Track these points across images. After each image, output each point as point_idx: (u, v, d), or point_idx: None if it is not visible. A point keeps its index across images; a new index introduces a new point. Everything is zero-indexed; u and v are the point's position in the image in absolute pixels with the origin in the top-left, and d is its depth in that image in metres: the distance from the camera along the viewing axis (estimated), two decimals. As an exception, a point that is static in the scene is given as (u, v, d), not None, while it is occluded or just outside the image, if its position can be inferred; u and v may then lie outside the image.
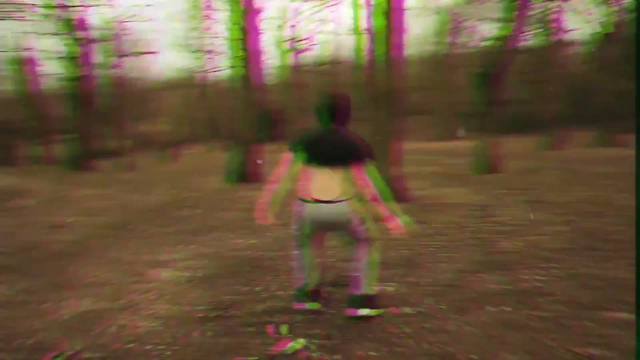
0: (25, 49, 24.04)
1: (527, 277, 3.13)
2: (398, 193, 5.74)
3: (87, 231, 5.50)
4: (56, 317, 2.88)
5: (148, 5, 37.42)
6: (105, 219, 6.27)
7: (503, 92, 8.32)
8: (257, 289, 3.19)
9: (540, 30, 15.03)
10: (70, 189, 10.35)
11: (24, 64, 24.33)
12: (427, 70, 31.60)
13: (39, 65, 32.34)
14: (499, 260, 3.50)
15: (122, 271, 3.76)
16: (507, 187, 7.06)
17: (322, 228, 2.55)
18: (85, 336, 2.58)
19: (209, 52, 31.36)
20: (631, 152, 13.03)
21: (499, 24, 7.41)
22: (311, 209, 2.45)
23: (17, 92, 27.24)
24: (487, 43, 29.45)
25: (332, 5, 30.78)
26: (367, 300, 2.58)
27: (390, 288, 3.06)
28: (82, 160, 16.10)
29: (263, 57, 30.90)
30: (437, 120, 32.26)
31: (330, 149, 2.41)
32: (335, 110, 2.45)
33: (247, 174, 9.48)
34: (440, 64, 26.58)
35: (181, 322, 2.71)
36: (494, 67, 7.90)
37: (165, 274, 3.62)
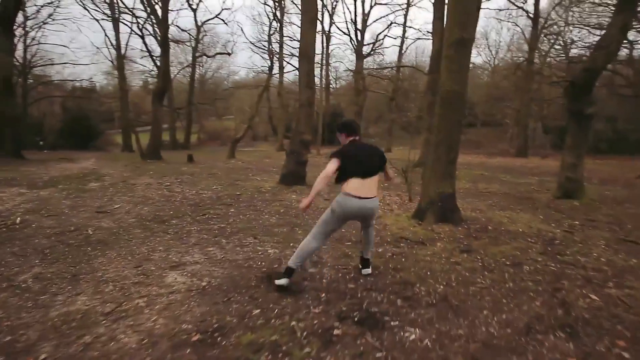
0: (119, 47, 26.54)
1: (602, 348, 2.32)
2: (443, 212, 4.99)
3: (127, 220, 5.56)
4: (46, 313, 2.73)
5: (227, 9, 39.40)
6: (147, 210, 6.35)
7: (592, 105, 7.02)
8: (255, 312, 2.77)
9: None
10: (135, 176, 10.96)
11: (121, 61, 26.84)
12: (507, 79, 29.17)
13: (133, 63, 35.71)
14: (566, 320, 2.69)
15: (132, 269, 3.59)
16: (587, 219, 5.87)
17: (357, 219, 3.35)
18: (59, 343, 2.36)
19: (280, 54, 32.15)
20: None
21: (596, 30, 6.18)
22: (357, 204, 3.13)
23: (114, 86, 30.16)
24: (581, 51, 26.34)
25: (401, 10, 29.74)
26: (370, 262, 3.58)
27: (411, 335, 2.45)
28: (153, 151, 17.17)
29: (329, 61, 30.62)
30: (511, 134, 29.64)
31: (368, 159, 3.22)
32: (357, 126, 3.46)
33: (301, 177, 9.20)
34: (524, 73, 24.22)
35: (159, 342, 2.38)
36: (588, 76, 6.68)
37: (170, 278, 3.36)
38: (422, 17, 47.16)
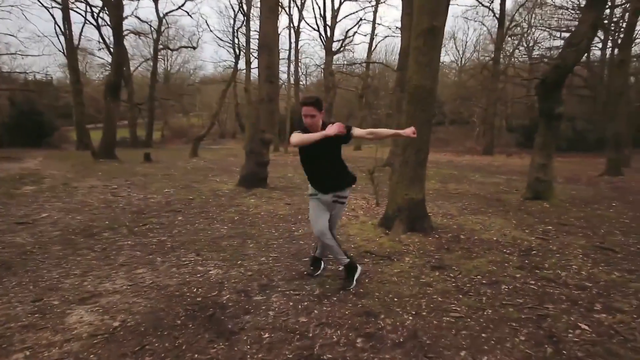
0: (72, 37, 24.57)
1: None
2: (412, 221, 4.51)
3: (49, 234, 4.72)
4: None
5: (191, 0, 37.60)
6: (79, 219, 5.50)
7: (562, 104, 6.80)
8: (171, 366, 2.14)
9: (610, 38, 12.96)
10: (79, 178, 9.88)
11: (74, 53, 24.87)
12: (474, 79, 29.60)
13: (91, 55, 33.42)
14: (563, 357, 2.24)
15: (29, 304, 2.84)
16: (560, 223, 5.60)
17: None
18: None
19: (247, 48, 31.07)
20: None
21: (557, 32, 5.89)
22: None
23: (69, 80, 27.93)
24: (542, 52, 26.98)
25: (370, 6, 29.47)
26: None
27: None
28: (106, 149, 15.87)
29: (299, 57, 29.95)
30: (478, 132, 30.14)
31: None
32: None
33: (261, 178, 8.50)
34: (490, 72, 24.51)
35: None
36: (558, 74, 6.42)
37: (73, 318, 2.65)
38: (392, 14, 47.27)
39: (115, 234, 4.77)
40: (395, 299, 2.95)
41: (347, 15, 51.38)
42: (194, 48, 33.38)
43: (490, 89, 24.10)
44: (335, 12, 30.82)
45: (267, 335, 2.45)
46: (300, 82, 37.63)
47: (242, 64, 31.40)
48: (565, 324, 2.62)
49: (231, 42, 32.05)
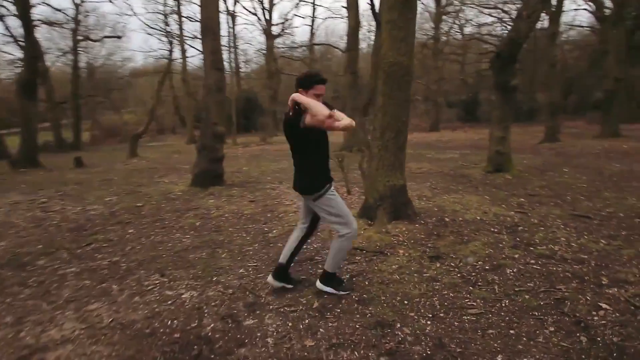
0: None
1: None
2: (396, 208, 4.24)
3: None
4: None
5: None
6: (5, 245, 4.54)
7: (516, 76, 6.91)
8: None
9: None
10: (-6, 193, 8.43)
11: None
12: (415, 57, 30.19)
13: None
14: (599, 352, 2.06)
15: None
16: (529, 194, 5.68)
17: None
18: None
19: (180, 36, 29.01)
20: (634, 144, 12.02)
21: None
22: None
23: None
24: (474, 30, 28.08)
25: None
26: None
27: None
28: (26, 156, 13.90)
29: (237, 43, 28.58)
30: (422, 109, 31.04)
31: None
32: None
33: (217, 175, 7.79)
34: (431, 50, 25.11)
35: None
36: (512, 46, 6.45)
37: (10, 387, 2.01)
38: (331, -4, 46.65)
39: (53, 260, 3.97)
40: (405, 302, 2.64)
41: (284, -3, 49.92)
42: (120, 37, 30.60)
43: (432, 67, 24.75)
44: (271, -5, 29.68)
45: (272, 372, 2.02)
46: (241, 70, 36.16)
47: (176, 53, 29.38)
48: (585, 306, 2.48)
49: (162, 29, 29.66)
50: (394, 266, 3.21)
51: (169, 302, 2.87)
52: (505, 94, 7.11)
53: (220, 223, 5.08)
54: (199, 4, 8.11)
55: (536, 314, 2.42)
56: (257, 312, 2.65)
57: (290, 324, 2.47)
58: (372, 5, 11.13)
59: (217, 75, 7.32)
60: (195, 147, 8.06)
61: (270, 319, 2.56)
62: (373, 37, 14.08)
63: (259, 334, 2.37)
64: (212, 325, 2.51)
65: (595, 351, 2.04)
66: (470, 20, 32.26)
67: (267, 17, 29.17)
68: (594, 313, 2.40)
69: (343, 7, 10.84)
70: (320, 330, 2.38)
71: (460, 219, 4.40)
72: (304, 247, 3.86)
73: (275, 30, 29.89)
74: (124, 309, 2.79)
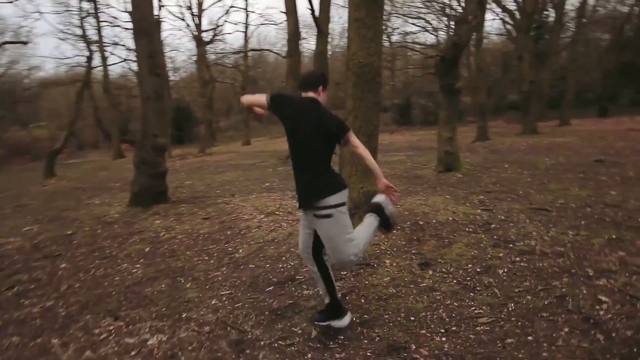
0: None
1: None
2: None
3: None
4: None
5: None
6: None
7: (460, 79, 7.21)
8: None
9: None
10: None
11: None
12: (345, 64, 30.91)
13: None
14: (618, 349, 2.00)
15: None
16: (485, 191, 5.88)
17: None
18: None
19: (100, 42, 26.55)
20: (552, 139, 13.39)
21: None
22: None
23: None
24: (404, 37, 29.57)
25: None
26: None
27: None
28: None
29: (165, 49, 26.97)
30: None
31: None
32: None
33: (160, 193, 6.99)
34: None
35: None
36: (455, 51, 6.70)
37: None
38: (263, 1, 46.01)
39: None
40: (412, 318, 2.42)
41: (215, 2, 48.15)
42: (25, 43, 27.04)
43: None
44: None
45: None
46: (170, 78, 34.15)
47: (96, 60, 26.76)
48: (586, 300, 2.47)
49: (77, 35, 26.92)
50: (386, 279, 2.99)
51: (133, 352, 2.34)
52: (450, 96, 7.38)
53: (174, 247, 4.48)
54: (119, 8, 7.33)
55: (545, 315, 2.35)
56: (247, 351, 2.25)
57: (290, 363, 2.11)
58: (312, 10, 11.05)
59: (156, 81, 6.62)
60: (133, 162, 7.21)
61: (264, 358, 2.18)
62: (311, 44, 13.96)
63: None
64: (195, 377, 2.06)
65: (618, 348, 1.99)
66: (397, 28, 34.15)
67: (197, 22, 27.90)
68: (597, 307, 2.39)
69: (282, 12, 10.61)
70: (328, 365, 2.06)
71: (434, 221, 4.35)
72: (280, 266, 3.51)
73: (206, 36, 28.72)
74: (73, 371, 2.21)
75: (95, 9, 25.03)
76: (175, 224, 5.51)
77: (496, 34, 27.90)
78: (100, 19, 25.81)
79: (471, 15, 6.51)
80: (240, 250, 4.09)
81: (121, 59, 31.67)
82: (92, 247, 4.78)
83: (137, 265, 3.96)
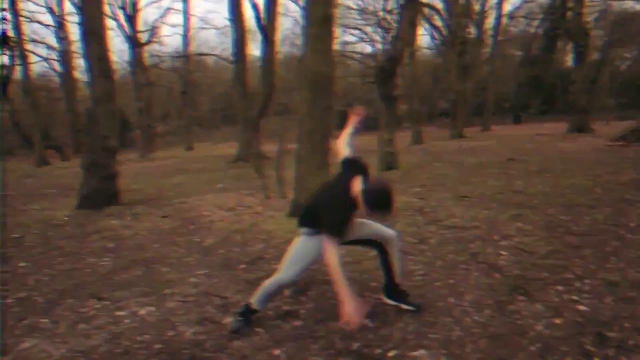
0: None
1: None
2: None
3: None
4: None
5: None
6: None
7: (396, 88, 8.15)
8: None
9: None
10: None
11: None
12: (291, 71, 31.61)
13: None
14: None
15: None
16: (421, 184, 6.77)
17: None
18: None
19: (19, 40, 24.32)
20: (475, 142, 15.19)
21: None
22: None
23: None
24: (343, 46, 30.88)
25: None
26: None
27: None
28: None
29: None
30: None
31: None
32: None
33: (111, 195, 6.94)
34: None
35: None
36: (392, 63, 7.60)
37: None
38: (202, 5, 45.29)
39: None
40: (365, 276, 3.01)
41: (151, 3, 46.14)
42: None
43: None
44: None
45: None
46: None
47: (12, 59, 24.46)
48: (491, 255, 3.26)
49: (-8, 31, 24.38)
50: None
51: (127, 320, 2.64)
52: (388, 103, 8.29)
53: (139, 242, 4.66)
54: (38, 2, 7.21)
55: (463, 266, 3.08)
56: (233, 310, 2.67)
57: (271, 313, 2.58)
58: (258, 19, 11.49)
59: (106, 83, 6.64)
60: (81, 165, 7.08)
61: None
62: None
63: (246, 328, 2.43)
64: (191, 329, 2.44)
65: (509, 282, 2.75)
66: (337, 38, 35.64)
67: (131, 24, 26.77)
68: (498, 258, 3.18)
69: (229, 19, 10.84)
70: (302, 311, 2.56)
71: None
72: (247, 249, 3.93)
73: (142, 37, 27.65)
74: (72, 338, 2.46)
75: (12, 3, 22.96)
76: (134, 223, 5.62)
77: (427, 48, 30.40)
78: (20, 14, 23.72)
79: (405, 34, 7.47)
80: (208, 240, 4.43)
81: (41, 58, 29.17)
82: (48, 247, 4.76)
83: (106, 259, 4.11)
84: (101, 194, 6.89)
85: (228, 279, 3.24)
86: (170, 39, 63.32)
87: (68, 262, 4.11)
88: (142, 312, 2.76)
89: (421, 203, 5.28)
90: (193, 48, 35.04)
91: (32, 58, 26.44)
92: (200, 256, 3.90)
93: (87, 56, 6.55)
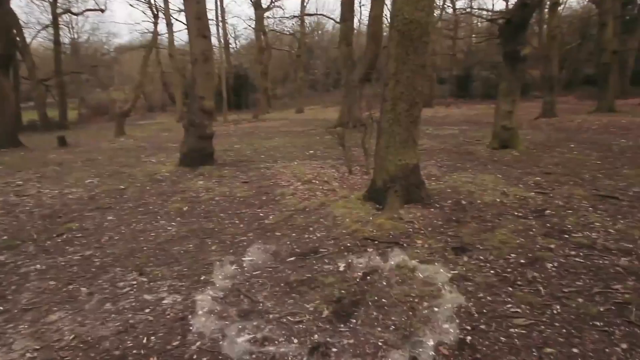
0: None
1: None
2: (409, 191, 3.76)
3: None
4: None
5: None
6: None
7: (526, 45, 6.34)
8: None
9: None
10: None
11: None
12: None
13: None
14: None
15: None
16: (543, 172, 5.23)
17: None
18: None
19: (166, 8, 27.46)
20: (631, 119, 11.58)
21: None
22: None
23: None
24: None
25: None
26: None
27: None
28: (5, 136, 13.07)
29: (225, 17, 27.25)
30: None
31: None
32: None
33: (207, 154, 7.23)
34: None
35: None
36: (525, 12, 5.85)
37: None
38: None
39: (17, 254, 3.45)
40: (435, 309, 2.18)
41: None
42: (102, 11, 28.81)
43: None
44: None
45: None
46: (230, 45, 34.75)
47: (162, 27, 27.89)
48: None
49: (145, 1, 28.02)
50: (413, 261, 2.74)
51: (147, 310, 2.39)
52: (514, 64, 6.55)
53: (210, 207, 4.57)
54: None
55: (598, 324, 1.98)
56: (254, 322, 2.18)
57: (295, 341, 2.00)
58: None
59: (203, 43, 6.62)
60: (182, 125, 7.44)
61: (269, 332, 2.09)
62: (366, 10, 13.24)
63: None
64: (197, 343, 2.03)
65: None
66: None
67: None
68: (667, 321, 1.97)
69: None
70: (334, 350, 1.92)
71: (479, 201, 3.94)
72: (305, 236, 3.40)
73: (264, 2, 28.46)
74: (91, 321, 2.30)
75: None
76: (216, 186, 5.62)
77: (576, -2, 24.22)
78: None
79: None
80: (271, 217, 4.05)
81: (185, 25, 32.63)
82: (138, 202, 5.03)
83: (173, 223, 4.08)
84: (197, 153, 7.15)
85: (269, 275, 2.76)
86: (291, 2, 64.11)
87: (143, 222, 4.21)
88: (167, 300, 2.49)
89: (541, 200, 3.94)
90: (312, 10, 34.97)
91: (178, 26, 29.64)
92: (255, 236, 3.52)
93: (185, 15, 6.57)
